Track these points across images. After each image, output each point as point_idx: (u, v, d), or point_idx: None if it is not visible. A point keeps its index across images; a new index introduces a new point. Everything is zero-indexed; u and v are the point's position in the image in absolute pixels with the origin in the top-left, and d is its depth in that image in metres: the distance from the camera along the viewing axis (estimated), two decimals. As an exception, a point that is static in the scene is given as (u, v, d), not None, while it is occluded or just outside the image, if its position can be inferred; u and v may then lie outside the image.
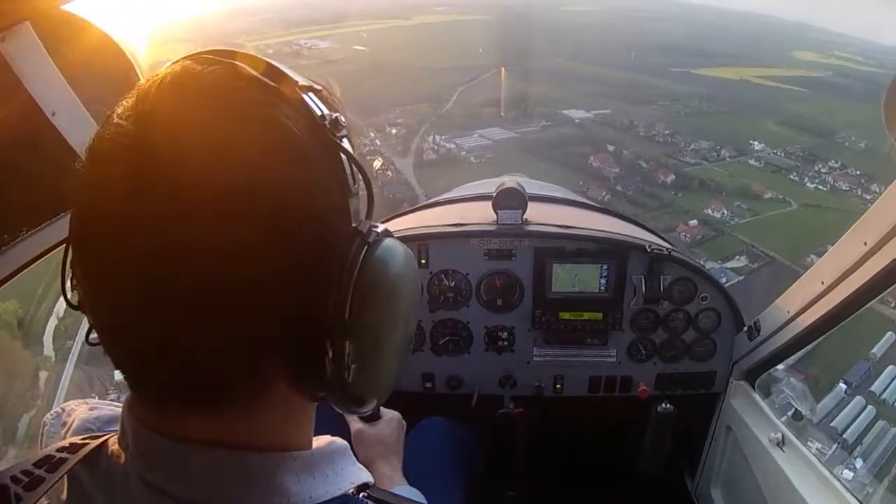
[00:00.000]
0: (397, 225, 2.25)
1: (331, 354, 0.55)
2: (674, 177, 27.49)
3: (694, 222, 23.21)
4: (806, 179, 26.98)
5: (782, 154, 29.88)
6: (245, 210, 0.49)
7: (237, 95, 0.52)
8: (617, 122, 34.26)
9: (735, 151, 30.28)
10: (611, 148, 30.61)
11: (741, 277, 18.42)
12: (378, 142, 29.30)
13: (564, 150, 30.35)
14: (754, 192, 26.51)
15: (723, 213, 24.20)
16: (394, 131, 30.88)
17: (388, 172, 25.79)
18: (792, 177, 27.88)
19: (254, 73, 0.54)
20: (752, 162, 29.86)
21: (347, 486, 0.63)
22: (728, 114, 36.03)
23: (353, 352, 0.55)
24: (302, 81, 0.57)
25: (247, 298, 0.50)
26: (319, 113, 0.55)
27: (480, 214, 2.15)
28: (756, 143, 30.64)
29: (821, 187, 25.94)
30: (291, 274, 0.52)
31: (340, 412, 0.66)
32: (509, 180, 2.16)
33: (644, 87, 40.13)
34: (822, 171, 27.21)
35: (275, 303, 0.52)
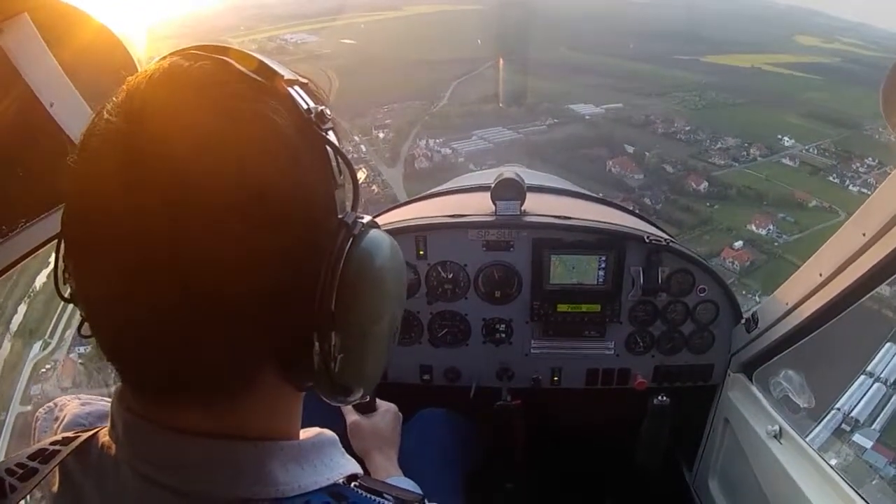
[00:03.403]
0: (394, 216, 2.28)
1: (317, 345, 0.56)
2: (706, 184, 24.99)
3: (739, 244, 20.73)
4: (847, 181, 24.94)
5: (815, 151, 27.76)
6: (233, 203, 0.50)
7: (224, 91, 0.53)
8: (633, 119, 31.44)
9: (766, 150, 28.04)
10: (630, 149, 27.82)
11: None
12: (363, 147, 26.22)
13: (577, 152, 27.39)
14: (797, 200, 24.33)
15: (768, 229, 21.91)
16: (381, 135, 27.71)
17: (374, 187, 22.53)
18: (832, 178, 25.79)
19: (241, 68, 0.55)
20: (785, 161, 27.68)
21: (336, 476, 0.63)
22: (746, 105, 33.87)
23: (339, 342, 0.57)
24: (288, 75, 0.57)
25: (235, 290, 0.51)
26: (305, 106, 0.56)
27: (478, 205, 2.14)
28: (785, 138, 28.49)
29: (864, 190, 23.76)
30: (278, 265, 0.53)
31: (329, 403, 0.66)
32: (507, 171, 2.14)
33: (653, 77, 37.78)
34: (861, 170, 25.33)
35: (263, 294, 0.52)
